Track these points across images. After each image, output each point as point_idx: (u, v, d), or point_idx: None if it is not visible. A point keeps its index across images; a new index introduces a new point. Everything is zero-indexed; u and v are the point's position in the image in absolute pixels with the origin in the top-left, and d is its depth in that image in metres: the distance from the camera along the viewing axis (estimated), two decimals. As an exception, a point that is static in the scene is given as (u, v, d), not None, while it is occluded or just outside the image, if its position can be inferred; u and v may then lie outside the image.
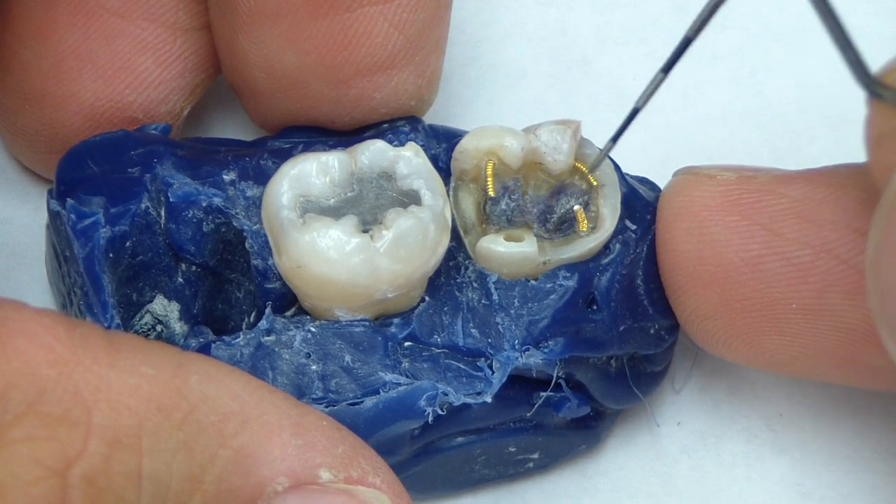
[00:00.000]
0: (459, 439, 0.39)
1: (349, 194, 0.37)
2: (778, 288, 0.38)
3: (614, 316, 0.39)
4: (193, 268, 0.39)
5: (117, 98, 0.41)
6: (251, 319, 0.39)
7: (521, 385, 0.38)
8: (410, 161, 0.37)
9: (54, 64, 0.41)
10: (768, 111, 0.46)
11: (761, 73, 0.46)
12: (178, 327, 0.39)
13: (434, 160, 0.40)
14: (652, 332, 0.40)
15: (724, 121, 0.46)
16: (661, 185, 0.40)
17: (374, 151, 0.37)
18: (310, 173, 0.37)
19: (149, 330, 0.39)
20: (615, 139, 0.38)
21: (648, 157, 0.40)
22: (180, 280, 0.39)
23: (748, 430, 0.43)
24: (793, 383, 0.43)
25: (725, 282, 0.38)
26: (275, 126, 0.42)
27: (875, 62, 0.44)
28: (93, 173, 0.39)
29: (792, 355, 0.38)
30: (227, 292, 0.40)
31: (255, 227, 0.38)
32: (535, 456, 0.41)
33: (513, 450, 0.40)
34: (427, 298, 0.38)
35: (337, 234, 0.36)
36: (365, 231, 0.36)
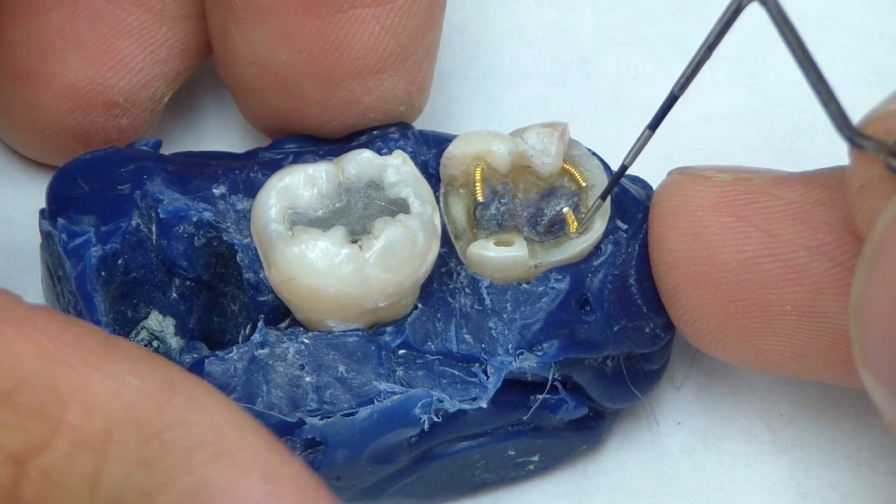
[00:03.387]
0: (458, 445, 0.39)
1: (337, 205, 0.37)
2: (772, 289, 0.37)
3: (608, 316, 0.39)
4: (187, 282, 0.39)
5: (99, 80, 0.41)
6: (247, 332, 0.39)
7: (517, 389, 0.38)
8: (398, 169, 0.37)
9: (40, 43, 0.41)
10: (768, 111, 0.46)
11: (761, 73, 0.46)
12: (175, 342, 0.39)
13: (424, 166, 0.40)
14: (647, 330, 0.40)
15: (724, 121, 0.46)
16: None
17: (360, 161, 0.37)
18: (297, 185, 0.37)
19: (145, 346, 0.39)
20: (604, 196, 0.38)
21: (648, 156, 0.40)
22: (174, 295, 0.39)
23: (748, 430, 0.42)
24: (793, 383, 0.43)
25: (719, 282, 0.38)
26: (266, 125, 0.42)
27: (875, 63, 0.44)
28: (83, 192, 0.39)
29: (786, 357, 0.38)
30: (223, 305, 0.40)
31: (245, 241, 0.38)
32: (536, 458, 0.41)
33: (512, 453, 0.40)
34: (420, 305, 0.38)
35: (325, 246, 0.36)
36: (354, 241, 0.36)
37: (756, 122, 0.46)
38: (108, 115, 0.42)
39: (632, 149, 0.37)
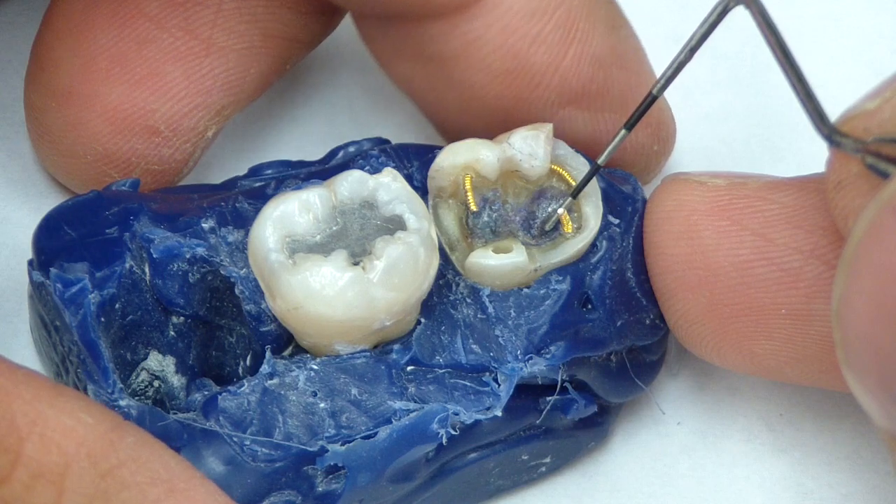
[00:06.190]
0: (473, 455, 0.39)
1: (334, 228, 0.37)
2: (767, 293, 0.38)
3: (610, 312, 0.39)
4: (183, 319, 0.39)
5: (141, 104, 0.41)
6: (247, 363, 0.39)
7: (526, 393, 0.39)
8: (389, 187, 0.37)
9: (85, 62, 0.41)
10: (768, 111, 0.46)
11: (761, 73, 0.46)
12: (176, 380, 0.39)
13: (408, 180, 0.40)
14: (647, 322, 0.40)
15: (724, 121, 0.46)
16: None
17: (352, 182, 0.37)
18: (292, 213, 0.37)
19: (146, 387, 0.39)
20: (575, 195, 0.38)
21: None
22: (172, 333, 0.39)
23: (748, 429, 0.43)
24: (792, 384, 0.43)
25: (714, 286, 0.38)
26: None
27: (875, 63, 0.45)
28: (71, 239, 0.39)
29: (782, 361, 0.39)
30: (220, 339, 0.40)
31: (242, 273, 0.38)
32: (548, 460, 0.41)
33: (526, 457, 0.40)
34: (423, 320, 0.38)
35: (329, 271, 0.36)
36: (355, 263, 0.36)
37: (756, 122, 0.46)
38: (149, 142, 0.41)
39: (607, 147, 0.38)
